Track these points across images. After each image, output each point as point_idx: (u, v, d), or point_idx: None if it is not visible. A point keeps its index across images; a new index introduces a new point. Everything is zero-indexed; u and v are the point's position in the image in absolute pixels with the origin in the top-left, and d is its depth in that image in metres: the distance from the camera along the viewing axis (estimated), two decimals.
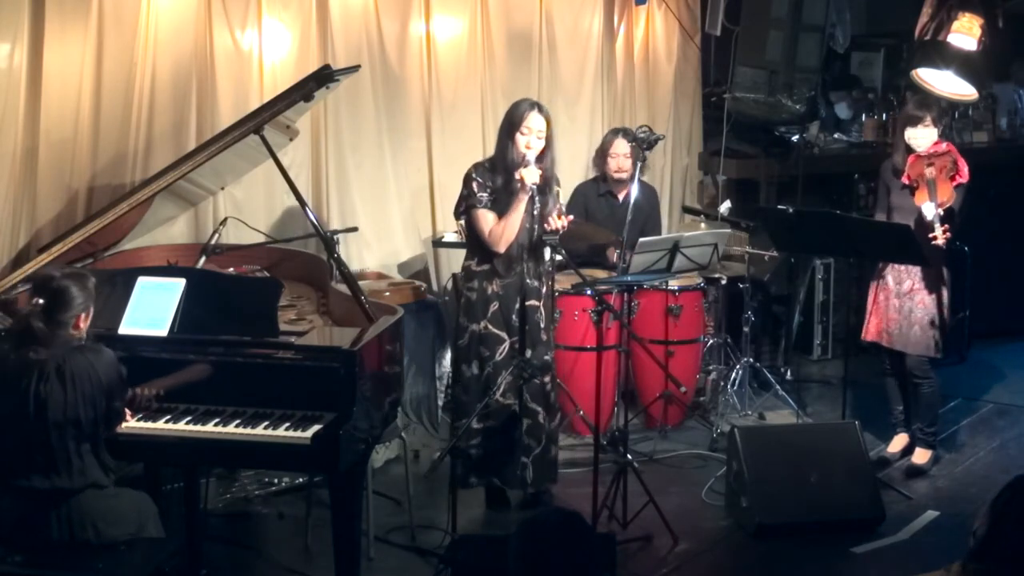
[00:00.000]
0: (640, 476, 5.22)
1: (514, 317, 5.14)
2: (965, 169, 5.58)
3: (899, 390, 5.94)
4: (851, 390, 5.97)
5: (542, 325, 5.23)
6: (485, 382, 5.16)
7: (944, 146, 5.66)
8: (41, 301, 3.75)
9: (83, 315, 3.83)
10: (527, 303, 5.16)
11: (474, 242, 5.23)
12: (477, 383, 5.19)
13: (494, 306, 5.17)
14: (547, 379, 5.27)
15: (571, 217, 5.12)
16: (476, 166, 5.21)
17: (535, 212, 5.08)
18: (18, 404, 3.70)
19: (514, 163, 5.04)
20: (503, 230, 5.07)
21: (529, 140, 5.04)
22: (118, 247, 5.04)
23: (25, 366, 3.72)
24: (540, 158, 5.04)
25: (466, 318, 5.23)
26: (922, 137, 5.64)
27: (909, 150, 5.67)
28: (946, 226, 5.36)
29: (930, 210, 5.42)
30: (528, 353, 5.13)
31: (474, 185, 5.12)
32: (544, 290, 5.27)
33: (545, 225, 5.07)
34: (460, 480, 5.16)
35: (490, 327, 5.18)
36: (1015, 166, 8.09)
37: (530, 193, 4.99)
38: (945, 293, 5.69)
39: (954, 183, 5.53)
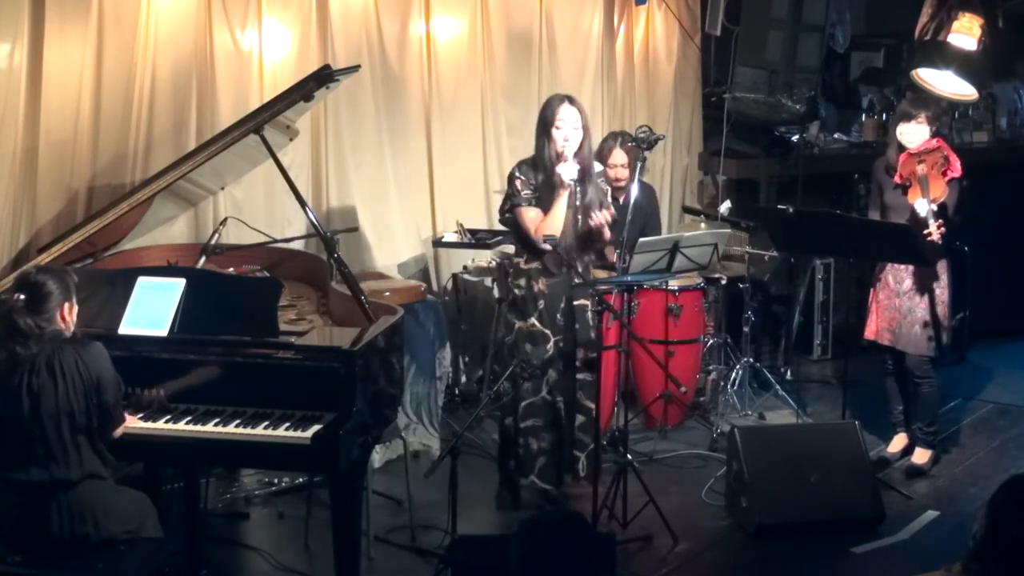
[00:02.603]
0: (640, 476, 5.23)
1: (559, 316, 5.16)
2: (957, 163, 5.58)
3: (899, 390, 5.94)
4: (851, 390, 5.96)
5: (592, 323, 5.23)
6: (532, 379, 5.17)
7: (935, 143, 5.66)
8: (22, 297, 3.80)
9: (65, 306, 3.86)
10: (575, 302, 5.19)
11: (522, 240, 5.24)
12: (516, 380, 5.19)
13: (540, 304, 5.18)
14: (595, 376, 5.26)
15: (612, 211, 5.14)
16: (520, 164, 5.25)
17: (577, 204, 5.10)
18: (13, 400, 3.74)
19: (552, 160, 5.06)
20: (546, 227, 5.08)
21: (566, 133, 5.05)
22: (118, 247, 5.04)
23: (16, 362, 3.76)
24: (578, 151, 5.06)
25: (513, 314, 5.25)
26: (914, 134, 5.64)
27: (901, 147, 5.67)
28: (940, 221, 5.37)
29: (923, 206, 5.42)
30: (580, 353, 5.19)
31: (517, 183, 5.15)
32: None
33: (589, 220, 5.09)
34: (506, 482, 5.30)
35: (537, 325, 5.19)
36: (1015, 166, 8.08)
37: (569, 189, 5.01)
38: (945, 292, 5.69)
39: (946, 178, 5.54)
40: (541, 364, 5.19)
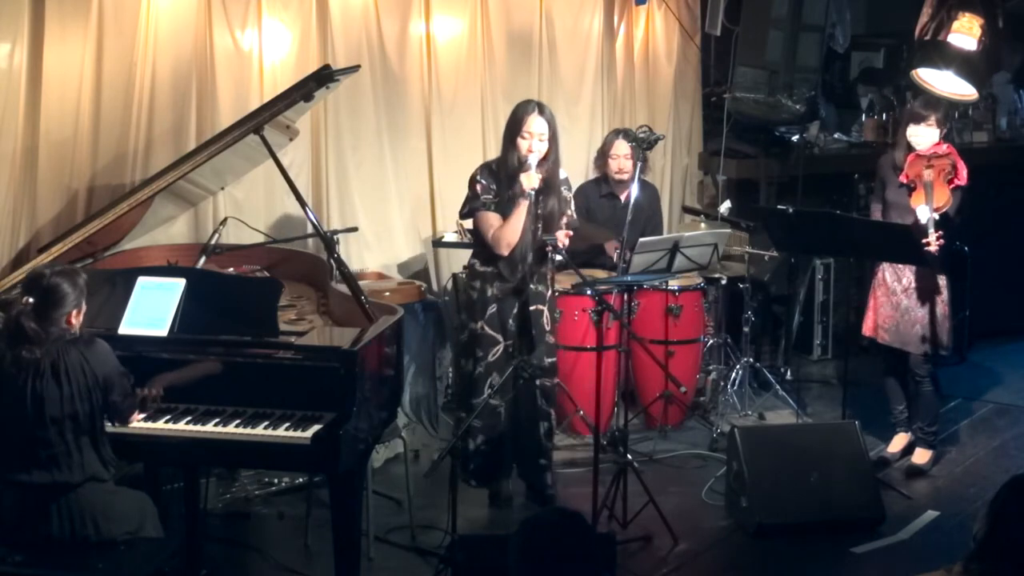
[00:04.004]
0: (640, 476, 5.23)
1: (511, 321, 5.16)
2: (964, 172, 5.57)
3: (899, 389, 5.94)
4: (851, 390, 5.97)
5: (547, 328, 5.24)
6: (477, 381, 5.18)
7: (944, 148, 5.65)
8: (32, 300, 3.76)
9: (75, 311, 3.83)
10: (531, 308, 5.17)
11: (479, 243, 5.24)
12: (470, 380, 5.22)
13: (492, 308, 5.18)
14: (555, 381, 5.29)
15: (570, 232, 5.11)
16: (481, 167, 5.22)
17: (538, 213, 5.09)
18: (17, 403, 3.72)
19: (515, 167, 5.04)
20: (504, 233, 5.07)
21: (531, 144, 5.03)
22: (118, 247, 5.04)
23: (20, 365, 3.73)
24: (543, 161, 5.04)
25: (467, 315, 5.27)
26: (924, 136, 5.63)
27: (909, 148, 5.67)
28: (939, 232, 5.35)
29: (924, 214, 5.41)
30: (536, 359, 5.16)
31: (478, 187, 5.13)
32: (549, 294, 5.27)
33: (547, 235, 5.08)
34: (460, 477, 5.17)
35: (486, 328, 5.19)
36: (1015, 166, 8.09)
37: (529, 198, 4.99)
38: (945, 292, 5.68)
39: (952, 186, 5.53)
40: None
